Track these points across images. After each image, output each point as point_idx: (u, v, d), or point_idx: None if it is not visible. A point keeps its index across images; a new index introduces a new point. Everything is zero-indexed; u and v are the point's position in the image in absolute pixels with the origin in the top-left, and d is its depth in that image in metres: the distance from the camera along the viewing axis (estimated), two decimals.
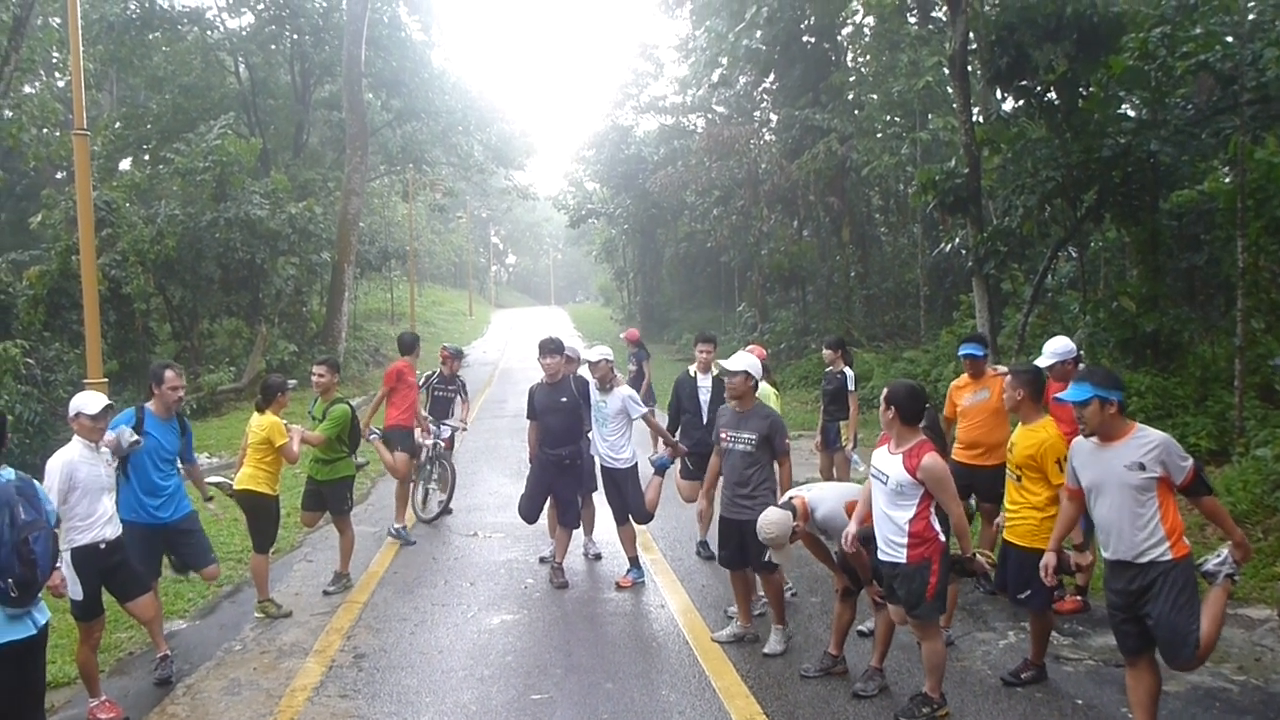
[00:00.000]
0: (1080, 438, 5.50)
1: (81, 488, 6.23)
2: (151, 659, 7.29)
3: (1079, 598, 7.88)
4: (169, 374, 7.40)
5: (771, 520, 6.34)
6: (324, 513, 9.55)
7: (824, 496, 6.57)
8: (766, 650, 7.22)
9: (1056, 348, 7.74)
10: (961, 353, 8.75)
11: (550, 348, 9.30)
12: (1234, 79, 11.19)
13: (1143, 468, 5.14)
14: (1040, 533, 6.32)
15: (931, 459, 5.84)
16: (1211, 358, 12.97)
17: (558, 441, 9.28)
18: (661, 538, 10.71)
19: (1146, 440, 5.19)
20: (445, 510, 12.14)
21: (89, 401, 6.42)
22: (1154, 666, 5.36)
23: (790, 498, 6.56)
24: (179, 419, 7.53)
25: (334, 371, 9.55)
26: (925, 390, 6.80)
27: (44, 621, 4.98)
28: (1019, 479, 6.47)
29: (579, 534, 10.02)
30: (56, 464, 6.18)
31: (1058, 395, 5.79)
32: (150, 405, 7.39)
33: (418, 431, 11.62)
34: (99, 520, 6.34)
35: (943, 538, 5.92)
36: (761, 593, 7.73)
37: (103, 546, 6.34)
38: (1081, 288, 17.03)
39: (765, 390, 10.08)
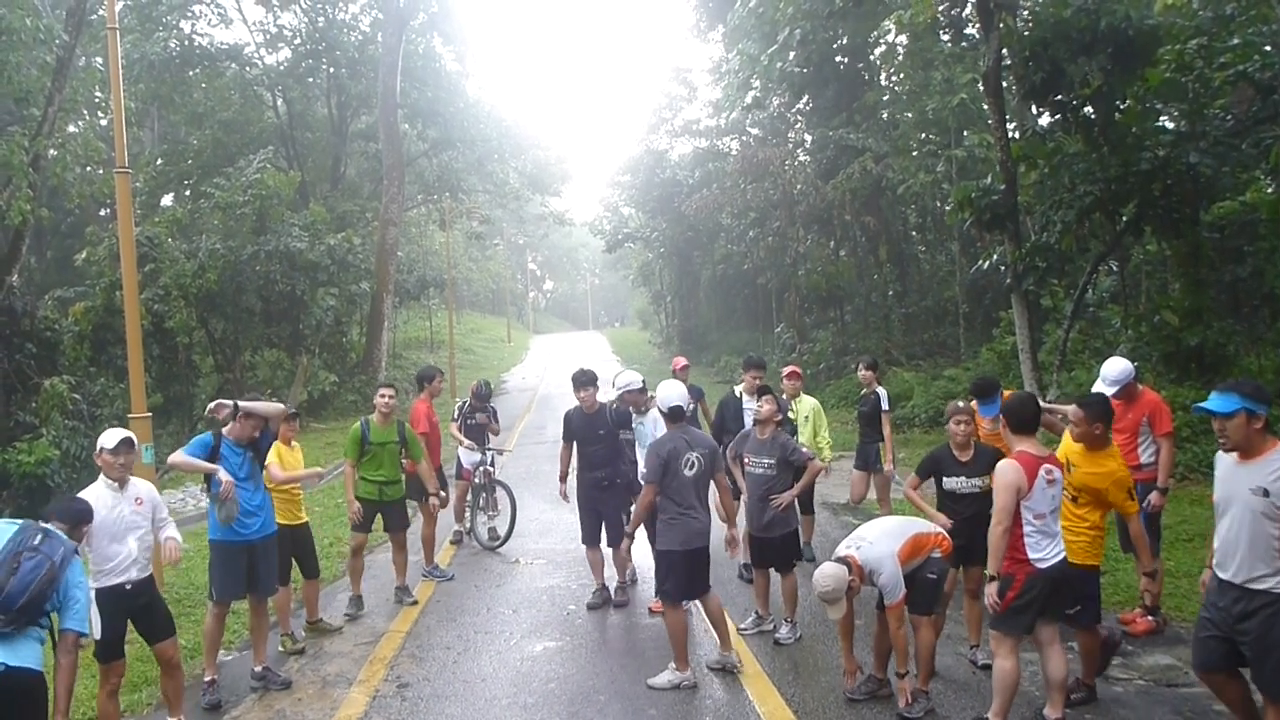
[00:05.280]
0: (1222, 452, 5.14)
1: (99, 531, 6.09)
2: (197, 691, 7.38)
3: (1150, 618, 7.68)
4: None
5: (828, 574, 6.25)
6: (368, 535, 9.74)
7: (880, 556, 6.34)
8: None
9: (1116, 374, 7.50)
10: (981, 414, 8.11)
11: (584, 381, 9.49)
12: (1274, 88, 11.09)
13: (1266, 494, 4.78)
14: (1093, 549, 6.31)
15: (1000, 464, 5.85)
16: (1258, 370, 12.80)
17: (595, 465, 9.42)
18: None
19: (1277, 464, 4.81)
20: (504, 539, 12.15)
21: (107, 437, 6.34)
22: (1237, 676, 5.14)
23: (843, 556, 6.43)
24: (253, 444, 7.62)
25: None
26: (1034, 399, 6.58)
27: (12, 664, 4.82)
28: (1075, 499, 6.32)
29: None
30: None
31: (1197, 405, 5.26)
32: (226, 430, 7.52)
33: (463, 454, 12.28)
34: (123, 562, 6.24)
35: (1037, 564, 5.68)
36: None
37: (128, 588, 6.25)
38: (1123, 302, 16.88)
39: (812, 404, 10.22)
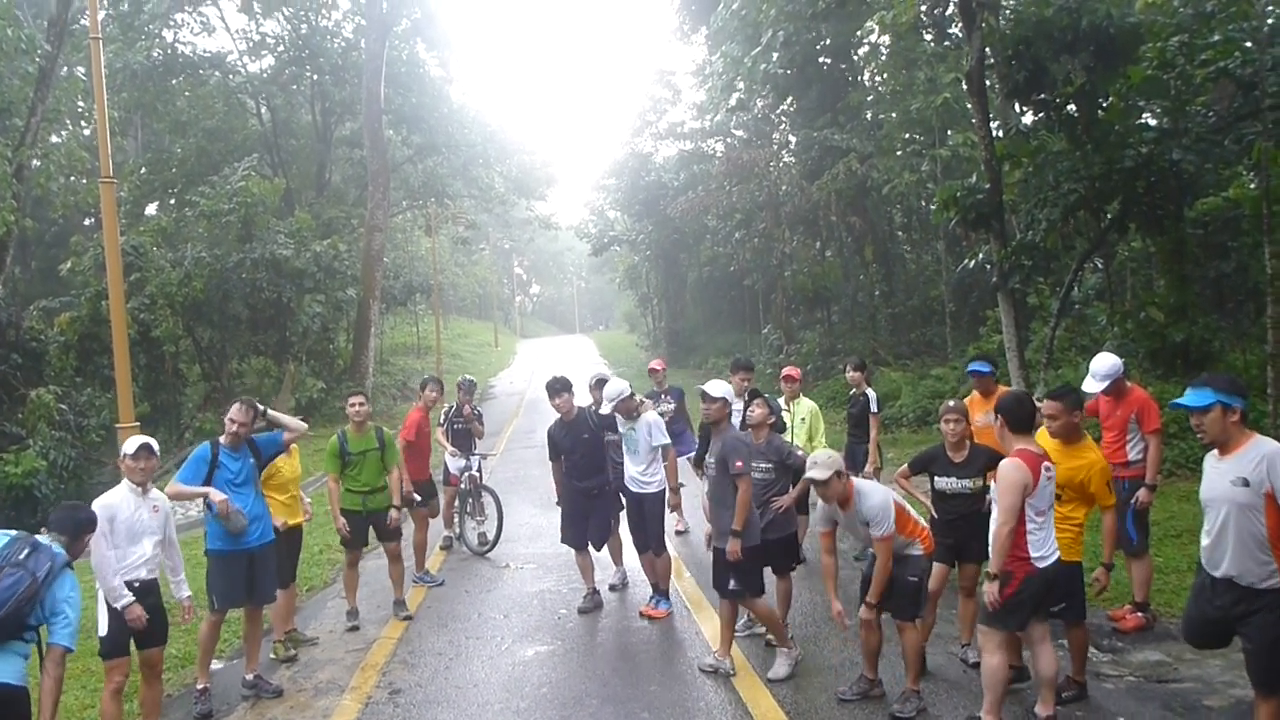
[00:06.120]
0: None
1: (121, 531, 6.32)
2: (188, 701, 7.41)
3: (1140, 614, 7.67)
4: (232, 408, 7.66)
5: (823, 457, 6.43)
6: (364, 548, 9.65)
7: (874, 487, 6.51)
8: (770, 675, 7.18)
9: (1106, 369, 7.44)
10: (969, 370, 8.71)
11: (558, 387, 9.44)
12: (1254, 84, 11.13)
13: (1247, 483, 4.74)
14: (1077, 545, 6.30)
15: (1004, 463, 5.74)
16: (1243, 365, 12.87)
17: (584, 474, 9.40)
18: (693, 565, 10.65)
19: (1256, 453, 4.77)
20: (492, 544, 12.13)
21: (128, 444, 6.63)
22: None
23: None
24: (249, 445, 7.63)
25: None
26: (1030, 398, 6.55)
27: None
28: (1059, 497, 6.22)
29: (609, 563, 10.06)
30: (97, 506, 6.24)
31: (1174, 401, 5.24)
32: (223, 438, 7.55)
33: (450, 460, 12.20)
34: (136, 561, 6.39)
35: (1037, 563, 5.65)
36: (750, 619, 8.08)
37: (137, 585, 6.36)
38: (1108, 299, 16.93)
39: (810, 407, 10.34)
